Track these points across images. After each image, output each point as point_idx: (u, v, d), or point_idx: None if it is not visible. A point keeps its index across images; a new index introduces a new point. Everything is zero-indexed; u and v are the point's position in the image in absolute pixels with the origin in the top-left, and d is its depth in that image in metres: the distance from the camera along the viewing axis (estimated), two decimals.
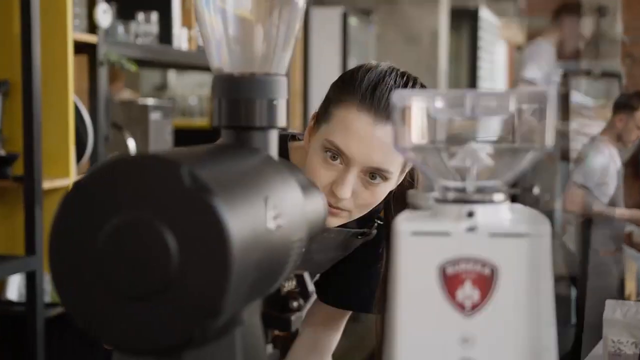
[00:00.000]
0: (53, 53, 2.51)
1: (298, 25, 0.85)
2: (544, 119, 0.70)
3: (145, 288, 0.62)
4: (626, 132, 4.22)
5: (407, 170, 1.33)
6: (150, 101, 3.23)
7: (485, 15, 7.60)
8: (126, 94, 3.98)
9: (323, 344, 1.48)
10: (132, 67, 2.79)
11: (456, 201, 0.72)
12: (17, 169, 2.46)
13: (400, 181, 1.34)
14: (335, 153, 1.24)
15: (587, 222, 4.24)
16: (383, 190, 1.27)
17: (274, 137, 0.83)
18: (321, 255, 1.42)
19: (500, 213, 0.72)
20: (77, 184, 0.63)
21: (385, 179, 1.25)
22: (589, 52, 9.42)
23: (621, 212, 4.30)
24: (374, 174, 1.25)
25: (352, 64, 6.20)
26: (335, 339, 1.51)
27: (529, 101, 0.71)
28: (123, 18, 3.05)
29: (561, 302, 4.77)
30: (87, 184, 0.64)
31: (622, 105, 4.28)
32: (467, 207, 0.71)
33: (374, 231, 1.41)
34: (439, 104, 0.72)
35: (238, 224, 0.63)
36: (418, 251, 0.70)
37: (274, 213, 0.71)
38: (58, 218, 0.64)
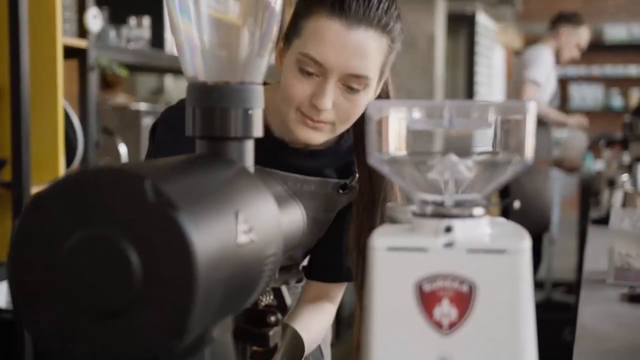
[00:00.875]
0: (42, 57, 2.49)
1: (275, 31, 0.83)
2: (524, 132, 0.68)
3: (107, 306, 0.60)
4: (566, 46, 4.43)
5: (384, 78, 1.32)
6: (143, 106, 3.20)
7: (483, 20, 7.59)
8: (121, 99, 3.96)
9: (322, 311, 1.45)
10: (123, 72, 2.77)
11: (434, 215, 0.70)
12: (6, 174, 2.43)
13: (378, 92, 1.33)
14: (310, 66, 1.22)
15: None
16: (363, 99, 1.26)
17: (249, 147, 0.81)
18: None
19: (479, 228, 0.70)
20: (37, 197, 0.61)
21: (364, 86, 1.24)
22: None
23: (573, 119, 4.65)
24: (352, 84, 1.23)
25: None
26: (332, 311, 1.47)
27: (509, 113, 0.68)
28: (115, 22, 3.02)
29: None
30: (49, 197, 0.61)
31: (567, 19, 4.46)
32: (444, 222, 0.69)
33: (356, 185, 1.39)
34: (416, 114, 0.70)
35: (205, 239, 0.60)
36: (394, 267, 0.67)
37: (246, 227, 0.68)
38: (18, 233, 0.62)
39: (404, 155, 0.71)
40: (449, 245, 0.67)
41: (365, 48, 1.21)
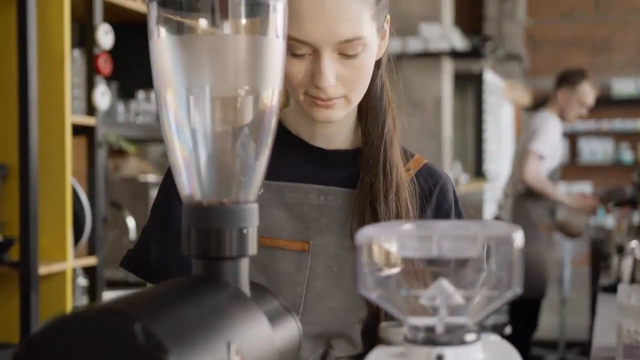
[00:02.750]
0: (51, 136, 2.52)
1: (267, 152, 0.84)
2: (512, 260, 0.68)
3: None
4: (568, 107, 4.44)
5: (385, 23, 1.22)
6: (152, 178, 3.23)
7: (490, 78, 7.64)
8: (133, 163, 3.99)
9: None
10: (131, 148, 2.80)
11: (425, 342, 0.70)
12: (13, 254, 2.44)
13: (386, 41, 1.24)
14: (298, 48, 1.13)
15: (526, 194, 4.43)
16: (367, 59, 1.16)
17: (244, 266, 0.82)
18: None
19: (471, 355, 0.69)
20: (28, 340, 0.62)
21: (362, 47, 1.14)
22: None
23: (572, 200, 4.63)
24: (347, 51, 1.13)
25: None
26: None
27: (496, 244, 0.69)
28: (123, 97, 3.07)
29: None
30: (40, 340, 0.62)
31: (564, 80, 4.49)
32: (436, 350, 0.69)
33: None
34: (406, 243, 0.70)
35: None
36: None
37: (238, 358, 0.69)
38: None
39: (394, 281, 0.72)
40: None
41: (345, 9, 1.11)
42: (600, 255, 4.66)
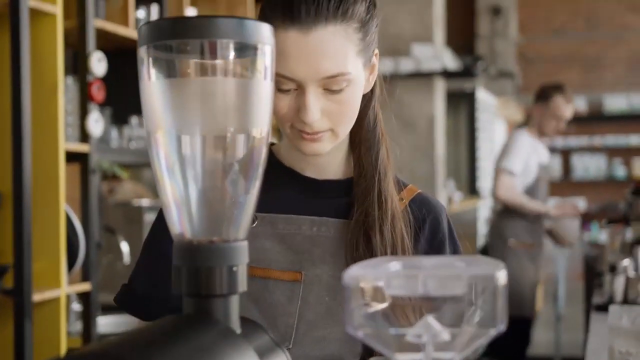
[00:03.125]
0: (45, 163, 2.53)
1: (256, 190, 0.86)
2: (495, 300, 0.70)
3: None
4: (544, 121, 4.45)
5: (372, 58, 1.23)
6: (146, 202, 3.24)
7: (482, 95, 7.68)
8: (128, 186, 3.99)
9: None
10: (124, 175, 2.81)
11: None
12: (7, 281, 2.45)
13: (375, 74, 1.25)
14: (284, 83, 1.15)
15: (504, 211, 4.41)
16: (353, 94, 1.18)
17: (234, 303, 0.83)
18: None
19: None
20: None
21: (347, 82, 1.15)
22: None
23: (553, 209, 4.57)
24: (332, 87, 1.14)
25: None
26: None
27: (480, 282, 0.70)
28: (117, 122, 3.08)
29: None
30: None
31: (538, 96, 4.50)
32: None
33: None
34: (393, 282, 0.72)
35: None
36: None
37: None
38: None
39: (381, 319, 0.73)
40: None
41: (329, 46, 1.13)
42: (593, 271, 4.68)
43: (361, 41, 1.17)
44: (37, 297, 2.45)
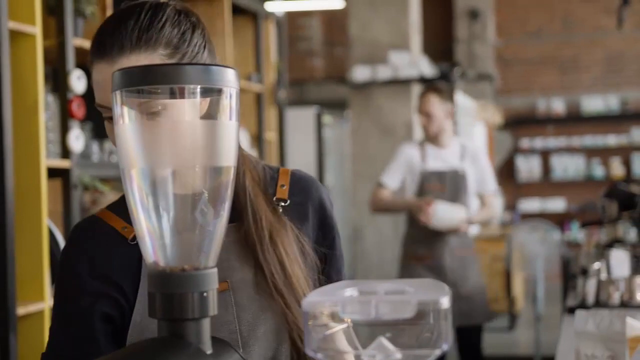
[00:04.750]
0: (27, 180, 2.58)
1: (224, 220, 0.92)
2: (440, 322, 0.77)
3: None
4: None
5: None
6: None
7: (461, 100, 7.77)
8: (110, 197, 4.03)
9: None
10: (105, 189, 2.87)
11: None
12: None
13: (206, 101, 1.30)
14: (105, 112, 1.21)
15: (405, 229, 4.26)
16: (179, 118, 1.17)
17: (206, 325, 0.90)
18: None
19: None
20: None
21: (163, 106, 1.13)
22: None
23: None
24: (151, 109, 1.13)
25: (328, 160, 6.35)
26: None
27: (428, 307, 0.77)
28: (97, 137, 3.14)
29: None
30: None
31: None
32: None
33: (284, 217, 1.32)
34: (347, 307, 0.79)
35: None
36: None
37: None
38: None
39: (337, 341, 0.80)
40: None
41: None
42: (569, 272, 4.76)
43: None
44: (21, 310, 2.51)
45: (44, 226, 2.59)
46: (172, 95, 0.89)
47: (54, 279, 2.67)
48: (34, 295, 2.59)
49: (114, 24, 1.22)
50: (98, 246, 1.28)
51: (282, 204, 1.32)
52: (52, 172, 2.74)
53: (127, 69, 0.88)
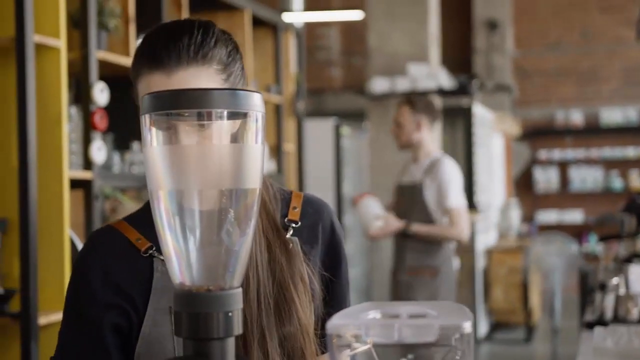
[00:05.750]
0: (50, 191, 2.62)
1: (249, 240, 0.94)
2: (463, 346, 0.78)
3: None
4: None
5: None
6: None
7: (479, 111, 7.77)
8: (129, 206, 4.07)
9: None
10: (125, 200, 2.90)
11: None
12: (14, 305, 2.53)
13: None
14: None
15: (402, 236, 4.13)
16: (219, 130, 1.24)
17: (231, 345, 0.91)
18: None
19: None
20: None
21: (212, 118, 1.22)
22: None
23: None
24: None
25: (346, 171, 6.36)
26: None
27: (450, 331, 0.79)
28: (119, 148, 3.17)
29: None
30: None
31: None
32: None
33: (294, 238, 1.34)
34: (371, 331, 0.80)
35: None
36: None
37: None
38: None
39: None
40: None
41: (191, 85, 1.22)
42: (588, 284, 4.73)
43: (225, 82, 1.26)
44: (42, 320, 2.53)
45: (66, 237, 2.62)
46: (200, 119, 0.91)
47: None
48: (56, 304, 2.61)
49: (167, 37, 1.24)
50: (112, 256, 1.30)
51: (293, 225, 1.34)
52: (74, 183, 2.77)
53: (155, 94, 0.90)
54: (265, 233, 1.31)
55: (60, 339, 1.30)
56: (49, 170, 2.62)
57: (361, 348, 0.83)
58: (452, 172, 4.13)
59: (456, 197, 4.09)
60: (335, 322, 0.81)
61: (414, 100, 4.24)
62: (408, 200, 4.16)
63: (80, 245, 2.74)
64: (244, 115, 0.90)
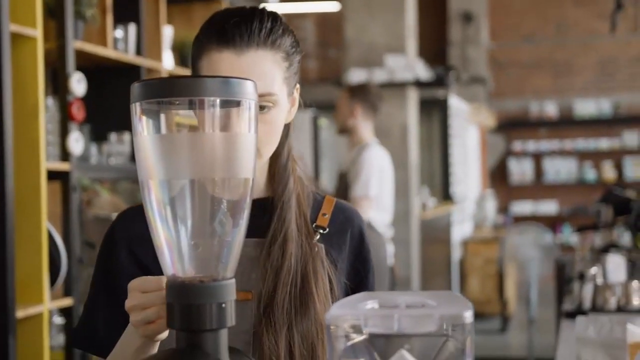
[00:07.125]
0: (27, 183, 2.58)
1: (242, 231, 0.93)
2: (463, 336, 0.77)
3: None
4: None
5: (295, 89, 1.32)
6: None
7: (455, 102, 7.79)
8: (106, 197, 4.02)
9: None
10: (104, 192, 2.87)
11: None
12: None
13: (296, 105, 1.33)
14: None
15: None
16: (277, 116, 1.26)
17: (224, 336, 0.90)
18: None
19: None
20: None
21: (273, 103, 1.24)
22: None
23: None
24: (260, 104, 1.19)
25: (324, 163, 6.36)
26: None
27: (450, 321, 0.78)
28: (97, 139, 3.13)
29: None
30: None
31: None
32: None
33: (320, 245, 1.34)
34: (370, 321, 0.79)
35: None
36: None
37: None
38: None
39: (359, 353, 0.81)
40: None
41: (259, 67, 1.23)
42: (564, 274, 4.76)
43: (287, 70, 1.27)
44: (20, 313, 2.50)
45: (44, 229, 2.59)
46: (191, 106, 0.89)
47: (53, 282, 2.67)
48: (34, 297, 2.58)
49: (239, 18, 1.24)
50: (140, 232, 1.28)
51: (321, 231, 1.34)
52: (52, 175, 2.74)
53: (145, 81, 0.89)
54: (299, 231, 1.31)
55: (88, 305, 1.32)
56: (26, 162, 2.59)
57: (358, 338, 0.82)
58: (370, 160, 4.08)
59: (361, 187, 4.03)
60: (334, 312, 0.80)
61: (354, 89, 4.29)
62: (340, 188, 4.16)
63: (58, 238, 2.71)
64: (237, 104, 0.89)
